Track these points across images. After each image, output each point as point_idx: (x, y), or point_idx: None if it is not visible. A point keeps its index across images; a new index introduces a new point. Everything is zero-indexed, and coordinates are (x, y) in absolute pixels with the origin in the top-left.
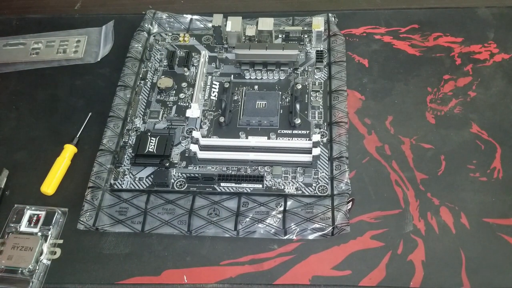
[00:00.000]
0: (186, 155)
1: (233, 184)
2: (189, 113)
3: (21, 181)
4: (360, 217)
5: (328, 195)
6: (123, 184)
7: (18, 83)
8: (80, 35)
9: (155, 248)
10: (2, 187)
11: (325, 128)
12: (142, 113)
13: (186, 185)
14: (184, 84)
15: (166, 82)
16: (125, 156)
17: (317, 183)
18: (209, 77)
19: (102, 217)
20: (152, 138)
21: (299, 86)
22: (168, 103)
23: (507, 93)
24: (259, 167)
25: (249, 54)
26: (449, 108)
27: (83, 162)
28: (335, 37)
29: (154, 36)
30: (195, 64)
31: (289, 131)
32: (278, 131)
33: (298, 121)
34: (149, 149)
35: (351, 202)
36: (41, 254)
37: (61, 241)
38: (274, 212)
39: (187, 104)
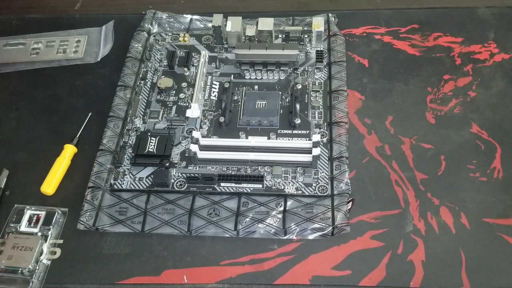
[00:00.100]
0: (186, 155)
1: (233, 184)
2: (189, 113)
3: (21, 181)
4: (360, 217)
5: (328, 195)
6: (123, 184)
7: (18, 83)
8: (80, 35)
9: (155, 248)
10: (2, 187)
11: (325, 128)
12: (142, 113)
13: (186, 185)
14: (184, 84)
15: (166, 82)
16: (125, 156)
17: (317, 183)
18: (209, 77)
19: (102, 217)
20: (152, 138)
21: (299, 86)
22: (168, 103)
23: (507, 93)
24: (259, 167)
25: (249, 54)
26: (449, 108)
27: (83, 162)
28: (335, 37)
29: (154, 36)
30: (195, 64)
31: (289, 131)
32: (278, 131)
33: (298, 121)
34: (149, 149)
35: (351, 202)
36: (41, 254)
37: (61, 241)
38: (274, 212)
39: (187, 104)
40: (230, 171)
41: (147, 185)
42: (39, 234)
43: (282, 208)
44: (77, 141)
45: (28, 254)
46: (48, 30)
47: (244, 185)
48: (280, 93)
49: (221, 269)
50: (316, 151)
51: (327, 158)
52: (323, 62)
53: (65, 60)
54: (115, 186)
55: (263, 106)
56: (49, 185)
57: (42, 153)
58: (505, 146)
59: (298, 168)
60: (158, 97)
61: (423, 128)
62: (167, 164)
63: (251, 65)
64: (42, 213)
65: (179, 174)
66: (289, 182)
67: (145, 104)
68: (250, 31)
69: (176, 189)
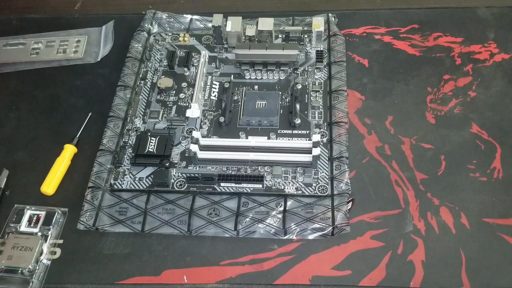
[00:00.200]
0: (186, 155)
1: (233, 184)
2: (189, 113)
3: (21, 181)
4: (360, 217)
5: (328, 195)
6: (123, 184)
7: (18, 83)
8: (80, 35)
9: (155, 248)
10: (2, 187)
11: (325, 128)
12: (142, 113)
13: (186, 185)
14: (184, 84)
15: (166, 82)
16: (125, 156)
17: (317, 183)
18: (209, 77)
19: (102, 217)
20: (152, 138)
21: (299, 86)
22: (168, 103)
23: (507, 93)
24: (259, 167)
25: (249, 54)
26: (449, 108)
27: (83, 162)
28: (335, 37)
29: (154, 36)
30: (195, 64)
31: (289, 131)
32: (278, 131)
33: (298, 121)
34: (149, 149)
35: (351, 202)
36: (41, 254)
37: (61, 241)
38: (274, 212)
39: (187, 104)
40: (230, 171)
41: (147, 185)
42: (39, 234)
43: (282, 208)
44: (77, 141)
45: (28, 254)
46: (48, 30)
47: (244, 185)
48: (280, 93)
49: (221, 269)
50: (316, 151)
51: (327, 158)
52: (323, 62)
53: (65, 60)
54: (115, 186)
55: (263, 106)
56: (49, 185)
57: (42, 153)
58: (505, 146)
59: (298, 168)
60: (158, 97)
61: (423, 128)
62: (167, 164)
63: (251, 65)
64: (42, 213)
65: (179, 174)
66: (289, 182)
67: (145, 104)
68: (250, 31)
69: (176, 189)
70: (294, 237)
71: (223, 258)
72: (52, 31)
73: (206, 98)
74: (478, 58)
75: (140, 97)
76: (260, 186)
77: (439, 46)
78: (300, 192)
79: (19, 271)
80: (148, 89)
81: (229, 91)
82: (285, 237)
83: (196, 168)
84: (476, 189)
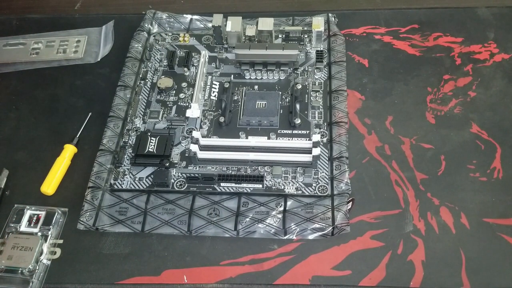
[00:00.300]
0: (186, 155)
1: (233, 184)
2: (189, 113)
3: (21, 181)
4: (360, 217)
5: (328, 195)
6: (123, 184)
7: (18, 83)
8: (80, 35)
9: (155, 248)
10: (2, 187)
11: (325, 128)
12: (142, 113)
13: (186, 185)
14: (184, 84)
15: (166, 82)
16: (125, 156)
17: (317, 183)
18: (209, 77)
19: (102, 217)
20: (152, 138)
21: (299, 86)
22: (168, 103)
23: (507, 93)
24: (259, 167)
25: (249, 54)
26: (449, 108)
27: (83, 162)
28: (335, 37)
29: (154, 36)
30: (195, 64)
31: (289, 131)
32: (278, 131)
33: (298, 121)
34: (149, 149)
35: (351, 202)
36: (41, 254)
37: (61, 241)
38: (274, 212)
39: (187, 104)
40: (230, 171)
41: (147, 185)
42: (39, 234)
43: (282, 208)
44: (77, 141)
45: (28, 254)
46: (48, 30)
47: (244, 185)
48: (280, 93)
49: (221, 269)
50: (316, 151)
51: (327, 158)
52: (323, 62)
53: (65, 60)
54: (115, 186)
55: (263, 106)
56: (49, 185)
57: (42, 153)
58: (505, 146)
59: (298, 168)
60: (158, 97)
61: (423, 128)
62: (167, 164)
63: (251, 65)
64: (42, 213)
65: (179, 174)
66: (289, 182)
67: (145, 104)
68: (250, 31)
69: (176, 189)
70: (294, 237)
71: (223, 258)
72: (52, 31)
73: (206, 98)
74: (478, 58)
75: (140, 97)
76: (260, 186)
77: (439, 46)
78: (300, 192)
79: (19, 271)
80: (148, 89)
81: (229, 91)
82: (285, 237)
83: (196, 168)
84: (476, 189)
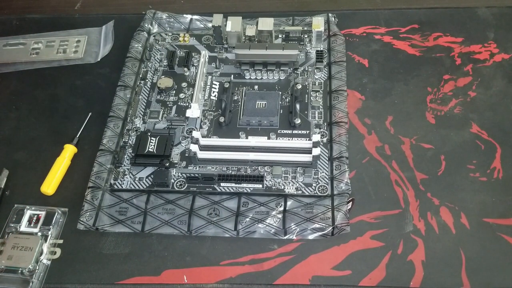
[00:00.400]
0: (186, 155)
1: (233, 184)
2: (189, 113)
3: (21, 181)
4: (360, 217)
5: (328, 195)
6: (123, 184)
7: (18, 83)
8: (80, 35)
9: (155, 248)
10: (2, 187)
11: (325, 128)
12: (142, 113)
13: (186, 185)
14: (184, 84)
15: (166, 82)
16: (125, 156)
17: (317, 183)
18: (209, 77)
19: (102, 217)
20: (152, 138)
21: (299, 86)
22: (168, 103)
23: (507, 93)
24: (259, 167)
25: (249, 54)
26: (449, 108)
27: (83, 162)
28: (335, 37)
29: (154, 36)
30: (195, 64)
31: (289, 131)
32: (278, 131)
33: (298, 121)
34: (149, 149)
35: (351, 202)
36: (41, 254)
37: (61, 241)
38: (274, 212)
39: (187, 104)
40: (230, 171)
41: (147, 185)
42: (39, 234)
43: (282, 208)
44: (77, 141)
45: (28, 254)
46: (48, 30)
47: (244, 185)
48: (280, 93)
49: (221, 269)
50: (316, 151)
51: (327, 158)
52: (323, 62)
53: (65, 60)
54: (115, 186)
55: (263, 106)
56: (49, 185)
57: (42, 153)
58: (505, 146)
59: (298, 168)
60: (158, 97)
61: (423, 128)
62: (167, 164)
63: (251, 65)
64: (42, 213)
65: (179, 174)
66: (289, 182)
67: (145, 104)
68: (250, 31)
69: (176, 189)
70: (294, 237)
71: (223, 258)
72: (52, 31)
73: (206, 98)
74: (478, 58)
75: (140, 97)
76: (260, 186)
77: (439, 46)
78: (300, 192)
79: (19, 271)
80: (148, 89)
81: (229, 91)
82: (285, 237)
83: (196, 168)
84: (476, 189)
